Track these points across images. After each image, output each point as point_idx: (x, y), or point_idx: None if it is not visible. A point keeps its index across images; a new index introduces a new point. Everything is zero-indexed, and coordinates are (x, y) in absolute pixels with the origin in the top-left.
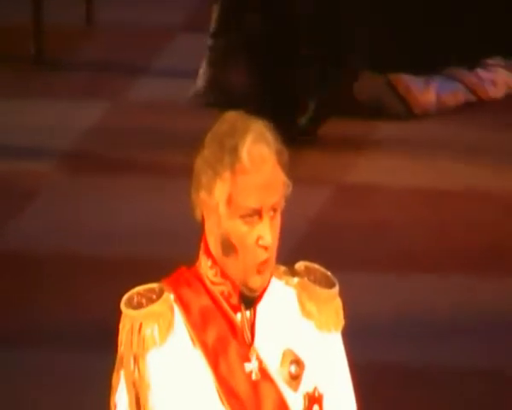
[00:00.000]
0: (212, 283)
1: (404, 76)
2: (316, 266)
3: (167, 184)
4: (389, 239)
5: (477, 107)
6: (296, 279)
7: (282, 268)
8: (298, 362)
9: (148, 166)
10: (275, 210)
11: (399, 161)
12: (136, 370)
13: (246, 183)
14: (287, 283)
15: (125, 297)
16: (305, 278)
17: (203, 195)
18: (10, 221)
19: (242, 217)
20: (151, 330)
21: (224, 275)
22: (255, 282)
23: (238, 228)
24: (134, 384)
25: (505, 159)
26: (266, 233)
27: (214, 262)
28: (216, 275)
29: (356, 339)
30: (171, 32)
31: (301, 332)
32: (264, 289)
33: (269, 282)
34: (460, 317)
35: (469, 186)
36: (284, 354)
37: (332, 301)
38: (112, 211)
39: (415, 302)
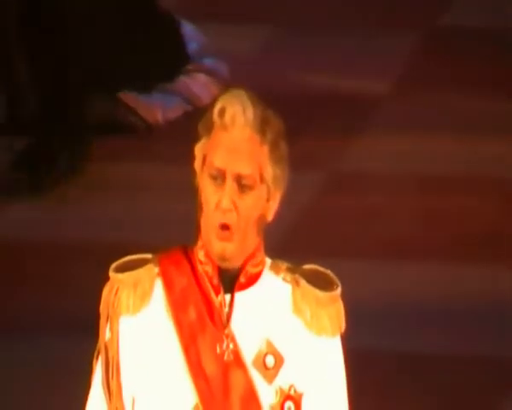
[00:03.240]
0: (200, 262)
1: (130, 94)
2: (322, 269)
3: (160, 171)
4: (380, 226)
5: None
6: (295, 277)
7: (286, 265)
8: (276, 355)
9: (140, 151)
10: (244, 183)
11: (391, 147)
12: (109, 332)
13: (215, 140)
14: (284, 278)
15: (117, 261)
16: (305, 277)
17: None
18: (2, 208)
19: (211, 177)
20: (126, 296)
21: (207, 255)
22: (216, 247)
23: (206, 187)
24: (106, 346)
25: (501, 143)
26: (224, 197)
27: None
28: (204, 255)
29: (346, 325)
30: None
31: (288, 328)
32: (242, 275)
33: (244, 268)
34: (450, 304)
35: (463, 172)
36: (263, 345)
37: (329, 306)
38: (102, 197)
39: (405, 289)
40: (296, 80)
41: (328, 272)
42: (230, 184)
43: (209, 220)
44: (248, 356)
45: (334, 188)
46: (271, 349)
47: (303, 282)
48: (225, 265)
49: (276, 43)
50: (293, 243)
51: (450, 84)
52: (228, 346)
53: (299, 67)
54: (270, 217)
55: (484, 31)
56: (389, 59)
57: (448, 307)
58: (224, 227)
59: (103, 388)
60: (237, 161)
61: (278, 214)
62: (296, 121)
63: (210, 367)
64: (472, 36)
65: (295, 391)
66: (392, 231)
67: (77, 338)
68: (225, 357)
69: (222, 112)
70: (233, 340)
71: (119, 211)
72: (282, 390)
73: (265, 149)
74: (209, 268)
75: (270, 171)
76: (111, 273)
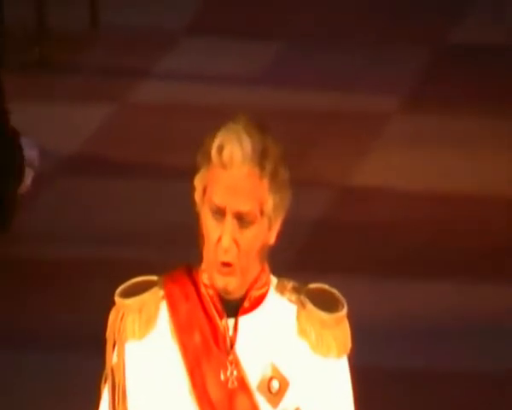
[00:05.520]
0: (205, 285)
1: None
2: (328, 288)
3: (170, 187)
4: (391, 242)
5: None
6: (300, 297)
7: (291, 284)
8: (281, 379)
9: (151, 169)
10: (244, 219)
11: (401, 162)
12: (116, 357)
13: (215, 177)
14: (289, 299)
15: (122, 285)
16: (310, 297)
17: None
18: (12, 223)
19: (211, 211)
20: (132, 321)
21: (211, 278)
22: (219, 282)
23: (208, 220)
24: (112, 371)
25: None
26: (224, 235)
27: None
28: (208, 278)
29: (355, 342)
30: (175, 35)
31: (293, 351)
32: (246, 299)
33: (248, 294)
34: (461, 321)
35: (473, 188)
36: (268, 369)
37: (334, 327)
38: (114, 214)
39: (415, 306)
40: (306, 96)
41: (335, 291)
42: (230, 221)
43: (211, 255)
44: (253, 381)
45: (345, 204)
46: (276, 374)
47: (308, 303)
48: (229, 297)
49: (285, 60)
50: (304, 259)
51: (460, 101)
52: (232, 373)
53: (308, 82)
54: (272, 241)
55: (495, 47)
56: (399, 75)
57: (459, 325)
58: (226, 264)
59: None
60: (237, 199)
61: (289, 231)
62: (305, 137)
63: (214, 393)
64: (483, 52)
65: None
66: (402, 247)
67: (87, 353)
68: (229, 384)
69: (220, 150)
70: (237, 366)
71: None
72: None
73: (265, 181)
74: (212, 292)
75: (270, 203)
76: (116, 299)
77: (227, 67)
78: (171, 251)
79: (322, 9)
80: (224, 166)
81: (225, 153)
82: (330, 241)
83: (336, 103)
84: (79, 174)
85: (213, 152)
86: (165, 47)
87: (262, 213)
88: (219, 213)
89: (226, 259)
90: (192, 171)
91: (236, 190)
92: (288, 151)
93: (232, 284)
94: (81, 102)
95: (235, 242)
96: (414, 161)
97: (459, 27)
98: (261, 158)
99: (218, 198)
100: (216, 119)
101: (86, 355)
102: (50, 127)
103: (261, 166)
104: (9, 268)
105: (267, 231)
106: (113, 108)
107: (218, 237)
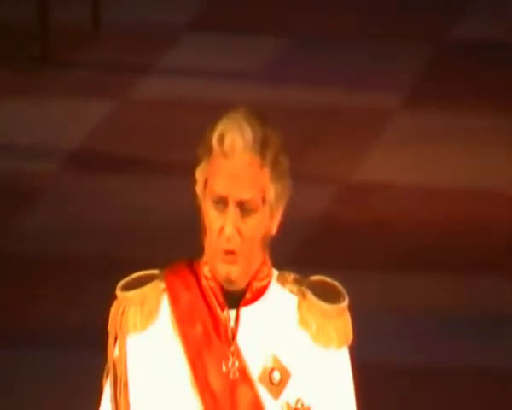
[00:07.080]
0: (206, 278)
1: None
2: (330, 280)
3: (173, 183)
4: (394, 238)
5: None
6: (301, 288)
7: (292, 276)
8: (282, 370)
9: (153, 164)
10: (246, 208)
11: (403, 159)
12: (117, 350)
13: (216, 167)
14: (290, 290)
15: (124, 279)
16: (312, 289)
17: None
18: (14, 221)
19: (213, 201)
20: (133, 314)
21: (213, 270)
22: (221, 271)
23: (209, 211)
24: (114, 364)
25: None
26: (226, 224)
27: None
28: (209, 270)
29: (357, 337)
30: (176, 32)
31: (294, 341)
32: (248, 291)
33: (251, 285)
34: (463, 316)
35: (475, 185)
36: (269, 360)
37: (335, 318)
38: (117, 210)
39: (418, 302)
40: (308, 93)
41: (336, 283)
42: (233, 209)
43: (213, 245)
44: (254, 372)
45: (347, 200)
46: (277, 365)
47: (309, 294)
48: (231, 287)
49: (287, 57)
50: (305, 253)
51: (462, 98)
52: (233, 364)
53: (310, 79)
54: (273, 231)
55: (495, 44)
56: (401, 72)
57: (459, 321)
58: (229, 252)
59: (112, 405)
60: (239, 187)
61: (291, 225)
62: (308, 134)
63: (216, 384)
64: (483, 49)
65: (302, 405)
66: (405, 244)
67: (87, 352)
68: (231, 375)
69: (221, 139)
70: (239, 357)
71: None
72: (288, 405)
73: (266, 170)
74: (214, 284)
75: (272, 191)
76: (118, 292)
77: (229, 63)
78: (173, 247)
79: (324, 7)
80: (225, 155)
81: (226, 142)
82: (333, 237)
83: (339, 100)
84: (80, 170)
85: (214, 141)
86: (166, 43)
87: (264, 201)
88: (221, 202)
89: (229, 247)
90: (193, 167)
91: (238, 178)
92: (291, 147)
93: (235, 273)
94: (82, 99)
95: (238, 230)
96: (415, 158)
97: (460, 25)
98: (262, 147)
99: (220, 187)
100: (217, 115)
101: (86, 355)
102: (51, 124)
103: (262, 155)
104: (10, 267)
105: (269, 220)
106: (115, 105)
107: (221, 227)
